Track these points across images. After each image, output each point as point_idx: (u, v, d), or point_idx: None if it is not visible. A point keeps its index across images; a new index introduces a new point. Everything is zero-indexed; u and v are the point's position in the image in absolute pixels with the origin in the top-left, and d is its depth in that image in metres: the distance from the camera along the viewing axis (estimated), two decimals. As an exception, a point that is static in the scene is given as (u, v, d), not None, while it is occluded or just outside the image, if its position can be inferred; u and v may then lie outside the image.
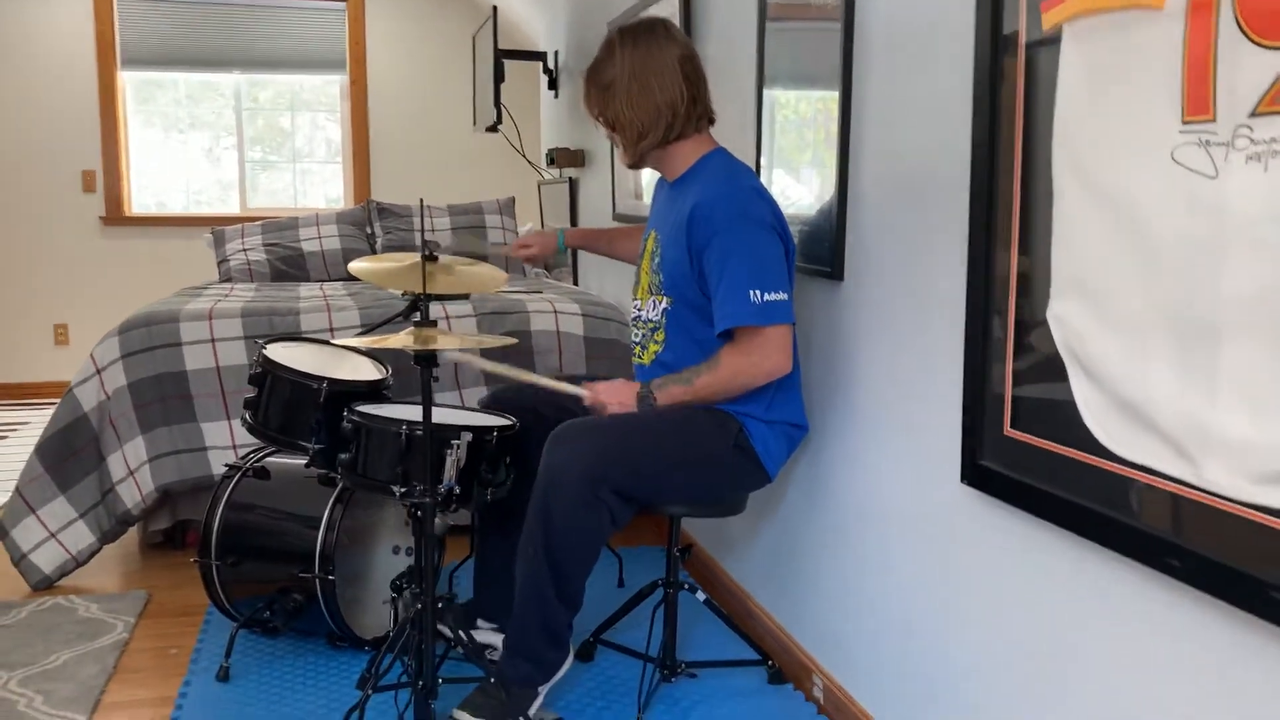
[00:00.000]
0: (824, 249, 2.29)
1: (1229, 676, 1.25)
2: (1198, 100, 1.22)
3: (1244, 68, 1.15)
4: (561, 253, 2.57)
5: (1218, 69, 1.18)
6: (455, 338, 2.14)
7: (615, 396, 2.19)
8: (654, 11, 3.32)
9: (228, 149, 6.38)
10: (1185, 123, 1.24)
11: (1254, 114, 1.14)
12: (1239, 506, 1.19)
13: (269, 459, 2.68)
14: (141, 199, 6.27)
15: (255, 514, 2.59)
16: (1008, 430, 1.63)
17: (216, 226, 5.09)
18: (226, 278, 4.71)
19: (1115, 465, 1.39)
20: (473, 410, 2.50)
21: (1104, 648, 1.47)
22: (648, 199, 3.64)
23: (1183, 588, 1.30)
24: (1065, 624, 1.55)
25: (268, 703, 2.34)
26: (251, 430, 2.41)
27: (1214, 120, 1.19)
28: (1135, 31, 1.31)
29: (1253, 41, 1.14)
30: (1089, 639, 1.50)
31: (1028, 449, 1.58)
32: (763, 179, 2.62)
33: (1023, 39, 1.56)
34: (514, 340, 2.24)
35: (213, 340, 3.21)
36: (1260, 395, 1.15)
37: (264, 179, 6.46)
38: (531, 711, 2.14)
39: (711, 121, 2.29)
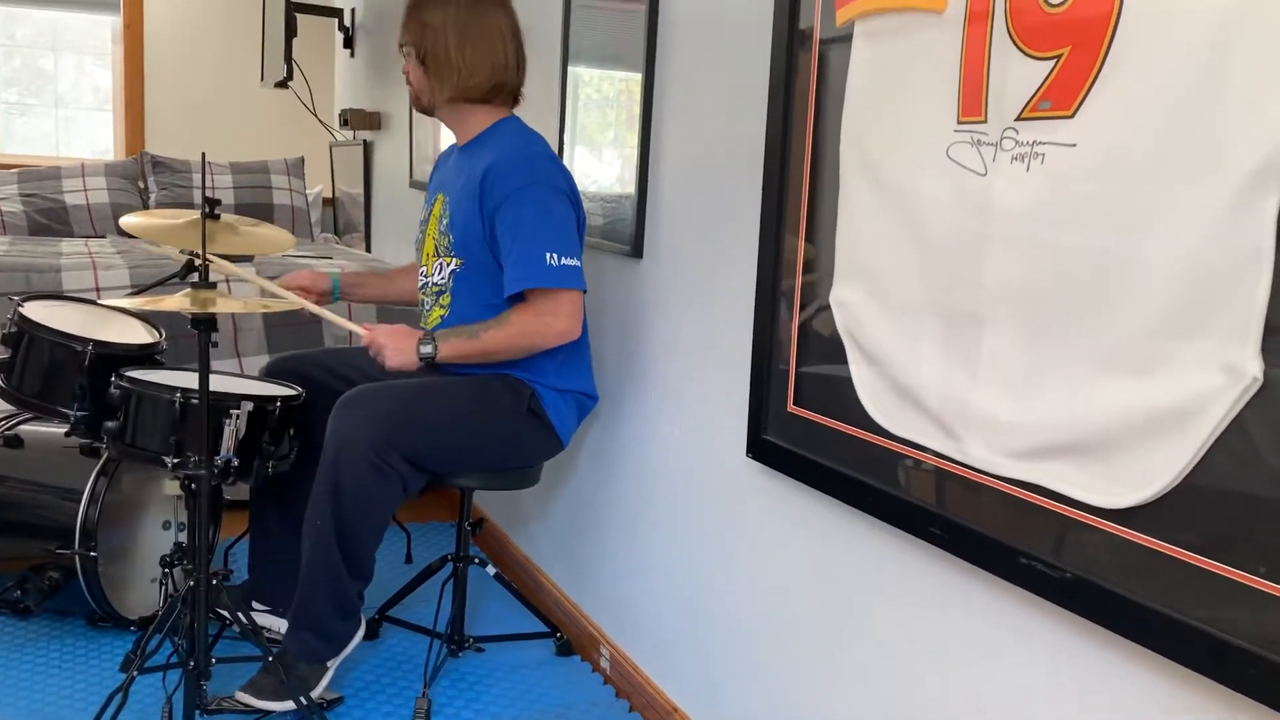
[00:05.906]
0: (624, 228, 2.32)
1: (985, 638, 1.36)
2: (972, 102, 1.30)
3: (1013, 75, 1.24)
4: (334, 300, 2.45)
5: (990, 74, 1.28)
6: (237, 301, 2.03)
7: (394, 341, 2.11)
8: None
9: (-22, 88, 5.80)
10: (960, 123, 1.32)
11: (1019, 118, 1.23)
12: (995, 480, 1.29)
13: (21, 426, 2.48)
14: (-128, 137, 5.61)
15: (6, 485, 2.39)
16: (790, 407, 1.71)
17: (-37, 172, 4.63)
18: (-26, 229, 4.29)
19: (887, 441, 1.48)
20: (253, 379, 2.38)
21: (877, 611, 1.57)
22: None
23: (946, 555, 1.40)
24: (842, 591, 1.64)
25: (18, 688, 2.16)
26: (3, 395, 2.22)
27: (985, 121, 1.28)
28: (919, 33, 1.40)
29: (1022, 51, 1.23)
30: (864, 603, 1.59)
31: (808, 424, 1.66)
32: (565, 156, 2.62)
33: (817, 34, 1.62)
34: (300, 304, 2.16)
35: (-42, 296, 2.92)
36: (1014, 378, 1.26)
37: (20, 124, 5.91)
38: (315, 692, 2.07)
39: (517, 101, 2.28)
